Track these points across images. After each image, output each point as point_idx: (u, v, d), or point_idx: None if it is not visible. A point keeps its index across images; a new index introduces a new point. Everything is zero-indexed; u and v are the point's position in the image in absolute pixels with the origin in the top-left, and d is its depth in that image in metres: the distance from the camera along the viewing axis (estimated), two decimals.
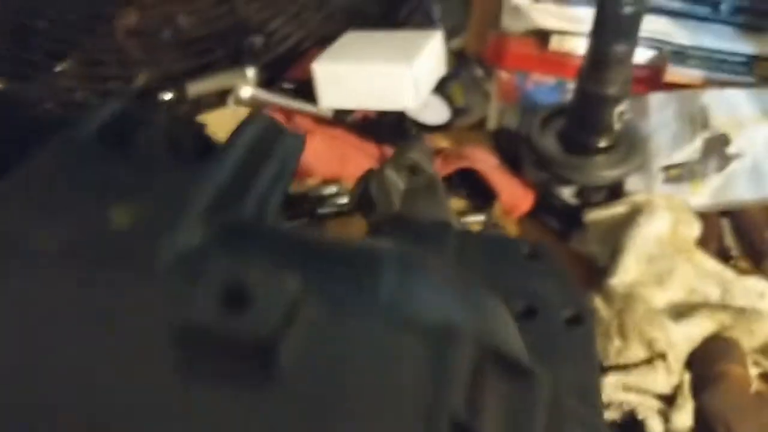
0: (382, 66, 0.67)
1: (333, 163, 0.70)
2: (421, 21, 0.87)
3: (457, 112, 0.76)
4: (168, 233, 0.20)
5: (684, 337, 0.50)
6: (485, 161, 0.66)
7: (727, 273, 0.56)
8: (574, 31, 0.68)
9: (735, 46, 0.68)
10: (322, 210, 0.64)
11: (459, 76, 0.79)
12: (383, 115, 0.72)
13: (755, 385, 0.51)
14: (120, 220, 0.22)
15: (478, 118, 0.76)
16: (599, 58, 0.57)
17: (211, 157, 0.26)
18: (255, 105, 0.75)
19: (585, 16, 0.67)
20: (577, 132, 0.63)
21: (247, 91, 0.73)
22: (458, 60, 0.81)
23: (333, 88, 0.69)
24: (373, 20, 0.82)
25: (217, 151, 0.26)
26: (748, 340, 0.51)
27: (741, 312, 0.51)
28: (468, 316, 0.25)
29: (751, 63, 0.68)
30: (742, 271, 0.58)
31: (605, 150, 0.62)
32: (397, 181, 0.51)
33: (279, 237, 0.24)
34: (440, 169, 0.66)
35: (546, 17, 0.68)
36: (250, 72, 0.73)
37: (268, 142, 0.29)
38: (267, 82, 0.76)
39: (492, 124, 0.75)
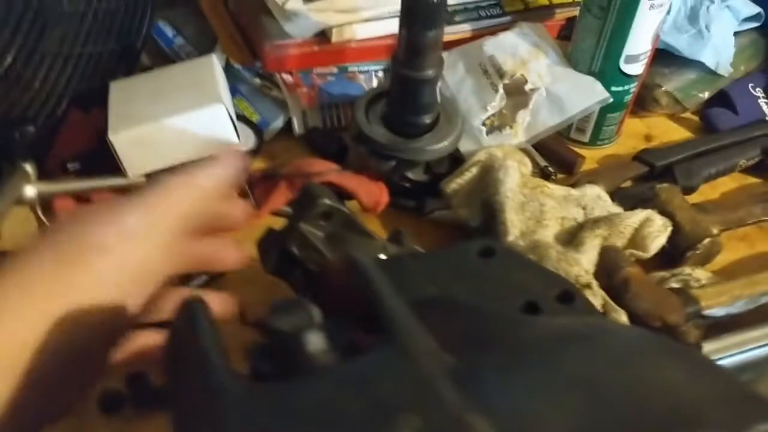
0: (192, 111, 0.62)
1: None
2: (156, 47, 0.81)
3: (257, 129, 0.74)
4: None
5: (589, 261, 0.58)
6: (329, 169, 0.66)
7: (572, 191, 0.65)
8: (354, 20, 0.70)
9: None
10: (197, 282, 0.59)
11: (237, 93, 0.76)
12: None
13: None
14: None
15: (279, 128, 0.75)
16: (414, 46, 0.60)
17: None
18: (43, 199, 0.64)
19: (364, 4, 0.70)
20: (402, 115, 0.65)
21: (31, 190, 0.62)
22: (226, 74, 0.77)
23: (139, 153, 0.62)
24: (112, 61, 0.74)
25: None
26: (621, 239, 0.61)
27: (606, 220, 0.61)
28: None
29: (499, 2, 0.77)
30: (564, 183, 0.68)
31: (432, 125, 0.66)
32: (315, 231, 0.49)
33: None
34: (290, 192, 0.64)
35: (327, 15, 0.68)
36: (29, 167, 0.62)
37: None
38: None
39: (299, 128, 0.74)
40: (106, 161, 0.64)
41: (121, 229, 0.33)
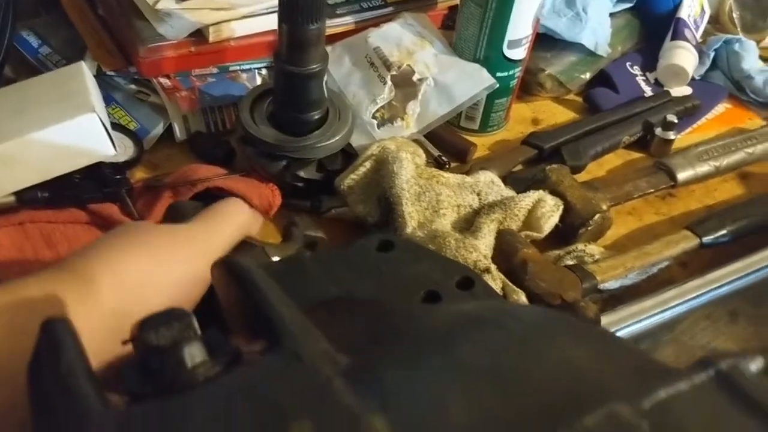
0: (61, 123, 0.57)
1: (28, 253, 0.60)
2: (20, 58, 0.75)
3: (136, 137, 0.69)
4: None
5: (486, 246, 0.58)
6: (215, 174, 0.63)
7: (466, 179, 0.65)
8: (231, 18, 0.67)
9: None
10: None
11: (112, 101, 0.72)
12: (71, 175, 0.62)
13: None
14: None
15: (159, 135, 0.71)
16: (296, 41, 0.58)
17: None
18: None
19: (241, 1, 0.67)
20: (289, 112, 0.63)
21: None
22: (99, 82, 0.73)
23: (8, 170, 0.57)
24: None
25: None
26: (516, 222, 0.61)
27: (501, 204, 0.61)
28: None
29: None
30: (458, 171, 0.68)
31: (321, 122, 0.64)
32: None
33: None
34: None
35: (202, 14, 0.65)
36: None
37: None
38: None
39: (181, 134, 0.71)
40: None
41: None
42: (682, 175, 0.69)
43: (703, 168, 0.71)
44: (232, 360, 0.23)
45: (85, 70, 0.65)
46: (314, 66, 0.60)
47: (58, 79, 0.64)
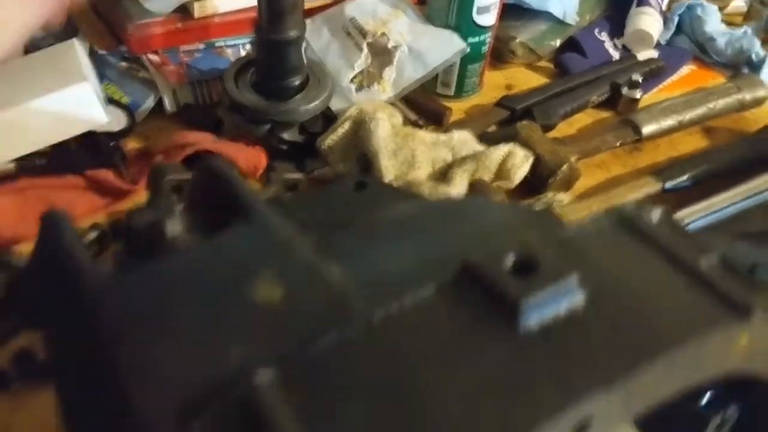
0: (56, 92, 0.61)
1: (29, 217, 0.63)
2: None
3: (129, 110, 0.73)
4: None
5: (458, 194, 0.61)
6: (204, 139, 0.67)
7: (441, 136, 0.68)
8: None
9: None
10: None
11: (105, 78, 0.75)
12: (68, 144, 0.66)
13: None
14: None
15: (150, 108, 0.75)
16: (274, 9, 0.62)
17: None
18: None
19: None
20: (271, 80, 0.67)
21: None
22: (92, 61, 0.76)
23: (7, 138, 0.61)
24: None
25: None
26: (488, 173, 0.65)
27: (473, 157, 0.64)
28: None
29: None
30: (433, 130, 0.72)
31: (301, 87, 0.68)
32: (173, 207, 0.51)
33: None
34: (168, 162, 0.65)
35: None
36: None
37: None
38: None
39: (170, 106, 0.74)
40: None
41: None
42: (646, 129, 0.73)
43: (667, 122, 0.74)
44: (206, 234, 0.27)
45: (77, 46, 0.68)
46: (292, 32, 0.63)
47: (52, 55, 0.68)
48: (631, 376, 0.19)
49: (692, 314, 0.21)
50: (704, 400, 0.28)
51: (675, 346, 0.20)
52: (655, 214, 0.25)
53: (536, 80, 0.84)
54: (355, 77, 0.72)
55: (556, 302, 0.21)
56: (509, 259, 0.22)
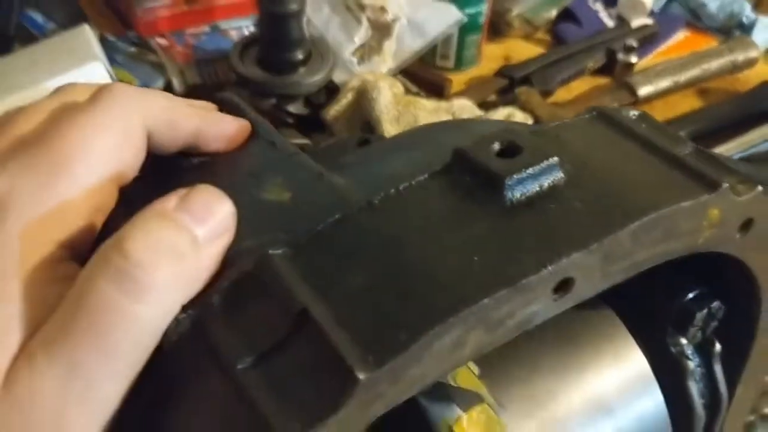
0: (70, 72, 0.63)
1: None
2: (28, 33, 0.82)
3: None
4: None
5: None
6: None
7: (442, 103, 0.71)
8: None
9: None
10: None
11: (115, 63, 0.78)
12: None
13: None
14: None
15: (160, 89, 0.77)
16: None
17: None
18: None
19: None
20: (275, 54, 0.69)
21: None
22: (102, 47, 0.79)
23: None
24: None
25: None
26: None
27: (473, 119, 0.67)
28: None
29: None
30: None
31: (304, 61, 0.71)
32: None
33: None
34: None
35: None
36: None
37: None
38: None
39: (179, 86, 0.77)
40: None
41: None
42: (642, 91, 0.75)
43: (663, 83, 0.76)
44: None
45: (87, 31, 0.71)
46: (293, 6, 0.66)
47: (64, 40, 0.71)
48: (608, 237, 0.21)
49: (665, 188, 0.23)
50: (690, 296, 0.30)
51: (648, 212, 0.22)
52: (633, 113, 0.27)
53: (533, 51, 0.86)
54: (356, 50, 0.74)
55: (538, 179, 0.23)
56: (496, 146, 0.24)
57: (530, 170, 0.23)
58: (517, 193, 0.23)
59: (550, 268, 0.21)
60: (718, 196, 0.24)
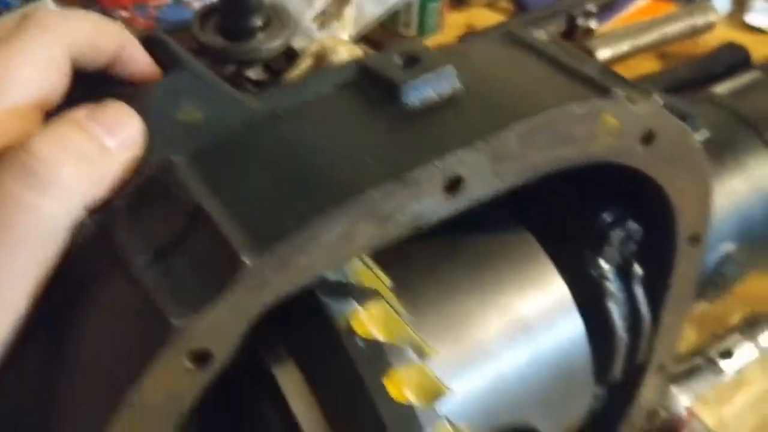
0: None
1: None
2: None
3: None
4: None
5: None
6: None
7: None
8: None
9: None
10: None
11: None
12: None
13: None
14: None
15: None
16: None
17: None
18: None
19: None
20: (234, 20, 0.70)
21: None
22: None
23: None
24: None
25: None
26: None
27: None
28: None
29: None
30: None
31: (264, 27, 0.71)
32: None
33: None
34: None
35: None
36: None
37: None
38: None
39: None
40: None
41: None
42: (601, 53, 0.76)
43: (622, 47, 0.77)
44: None
45: (50, 4, 0.71)
46: None
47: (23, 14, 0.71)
48: (492, 136, 0.22)
49: (558, 94, 0.24)
50: (605, 216, 0.31)
51: (534, 113, 0.23)
52: (545, 35, 0.28)
53: (496, 19, 0.86)
54: (316, 17, 0.74)
55: (434, 85, 0.23)
56: (397, 58, 0.24)
57: (425, 76, 0.23)
58: (414, 99, 0.23)
59: (435, 163, 0.21)
60: (609, 102, 0.24)
